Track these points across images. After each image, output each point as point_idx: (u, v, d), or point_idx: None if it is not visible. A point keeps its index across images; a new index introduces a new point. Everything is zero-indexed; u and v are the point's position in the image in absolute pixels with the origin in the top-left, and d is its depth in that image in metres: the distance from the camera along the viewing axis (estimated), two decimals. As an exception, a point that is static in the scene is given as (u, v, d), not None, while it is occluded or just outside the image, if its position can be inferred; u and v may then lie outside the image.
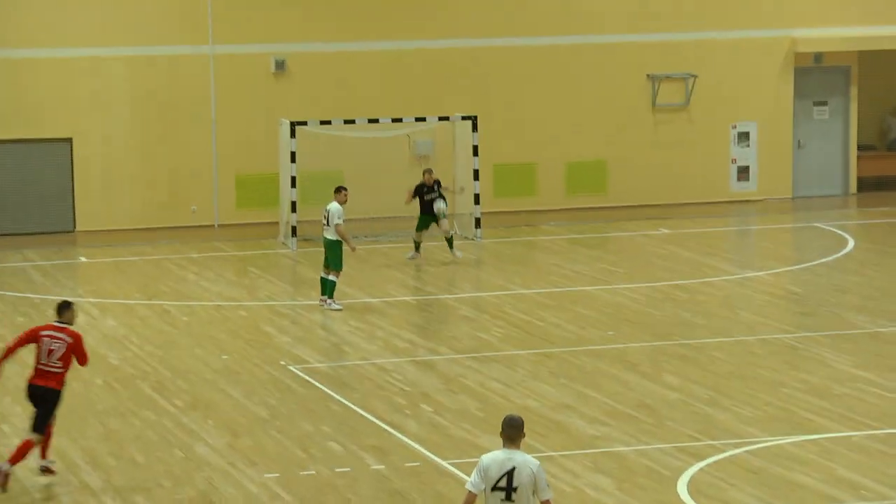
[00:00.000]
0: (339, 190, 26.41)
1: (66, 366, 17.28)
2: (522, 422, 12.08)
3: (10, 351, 17.29)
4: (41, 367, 17.19)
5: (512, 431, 12.07)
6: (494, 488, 11.91)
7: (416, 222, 29.94)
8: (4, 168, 33.32)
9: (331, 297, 25.82)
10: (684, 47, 36.47)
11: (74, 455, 18.41)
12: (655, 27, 36.24)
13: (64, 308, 17.61)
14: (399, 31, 35.00)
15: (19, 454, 17.08)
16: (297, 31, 34.54)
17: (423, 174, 29.97)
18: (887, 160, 38.56)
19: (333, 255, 25.88)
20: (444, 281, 28.29)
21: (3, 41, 33.06)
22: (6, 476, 16.87)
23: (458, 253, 29.79)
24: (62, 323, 17.40)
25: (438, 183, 29.90)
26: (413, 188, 29.93)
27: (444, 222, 29.66)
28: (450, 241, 29.76)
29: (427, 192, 29.73)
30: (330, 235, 25.96)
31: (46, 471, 17.46)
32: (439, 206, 29.43)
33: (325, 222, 25.99)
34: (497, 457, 11.99)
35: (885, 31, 37.26)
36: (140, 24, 33.76)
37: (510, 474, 11.92)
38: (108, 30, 33.61)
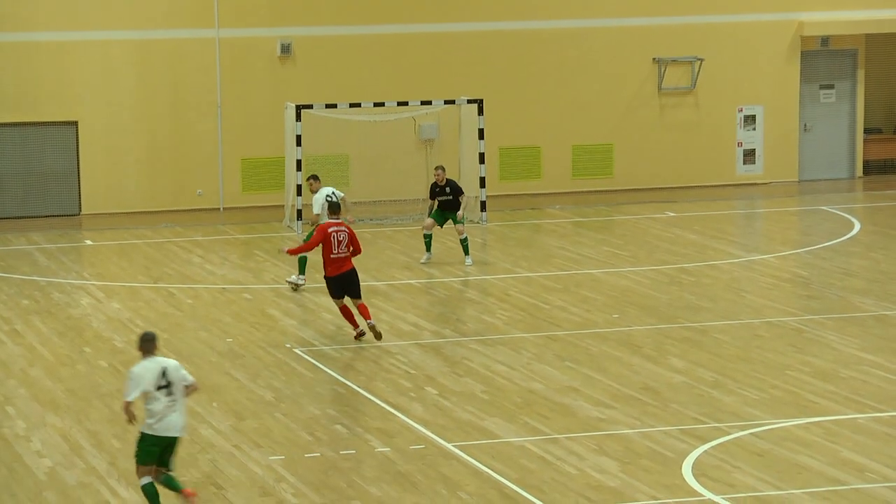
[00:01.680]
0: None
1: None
2: (155, 335, 15.35)
3: None
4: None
5: (149, 345, 15.23)
6: (158, 388, 15.05)
7: (426, 214, 28.82)
8: (10, 151, 33.34)
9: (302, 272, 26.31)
10: (691, 30, 36.43)
11: (80, 437, 18.44)
12: (662, 10, 36.20)
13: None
14: (405, 15, 34.97)
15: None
16: (302, 15, 34.51)
17: (435, 172, 28.53)
18: (894, 143, 38.50)
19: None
20: (449, 264, 28.28)
21: (8, 24, 33.05)
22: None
23: (469, 261, 28.11)
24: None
25: (451, 183, 28.24)
26: (429, 192, 28.56)
27: (461, 226, 28.12)
28: (465, 245, 28.13)
29: (439, 192, 28.16)
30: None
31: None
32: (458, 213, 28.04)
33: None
34: (147, 365, 15.12)
35: (893, 14, 37.17)
36: (146, 7, 33.75)
37: (164, 373, 15.09)
38: (113, 13, 33.60)
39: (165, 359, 15.43)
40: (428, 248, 28.27)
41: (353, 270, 22.46)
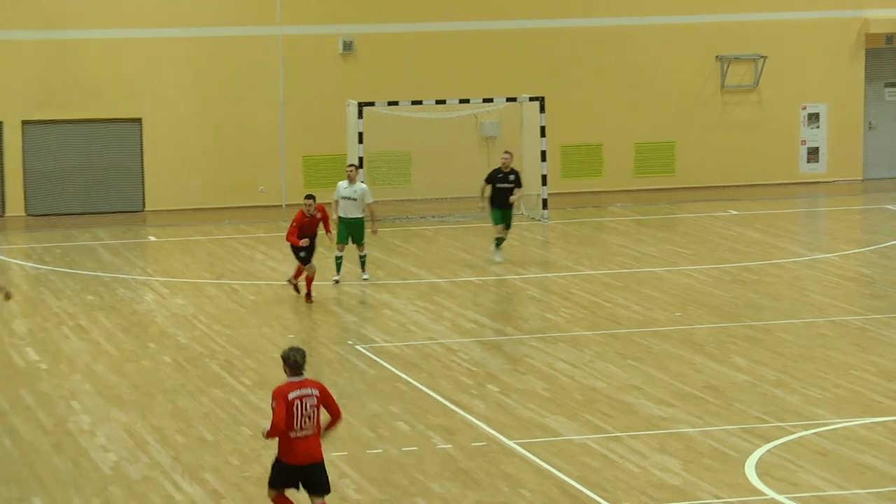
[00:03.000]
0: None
1: None
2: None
3: None
4: None
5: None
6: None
7: (490, 214, 28.02)
8: (74, 148, 33.55)
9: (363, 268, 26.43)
10: (754, 28, 36.28)
11: (144, 433, 18.56)
12: (725, 8, 36.07)
13: None
14: (467, 12, 34.97)
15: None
16: (365, 12, 34.58)
17: (502, 156, 28.13)
18: (959, 142, 38.23)
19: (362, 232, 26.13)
20: (510, 262, 28.27)
21: (73, 22, 33.26)
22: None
23: (499, 257, 27.85)
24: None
25: (516, 173, 27.84)
26: (486, 177, 28.04)
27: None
28: (499, 240, 27.84)
29: (501, 180, 27.63)
30: (360, 213, 26.04)
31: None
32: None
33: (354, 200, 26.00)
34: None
35: (958, 11, 36.93)
36: (210, 4, 33.90)
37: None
38: (177, 11, 33.76)
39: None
40: (498, 245, 27.93)
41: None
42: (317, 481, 14.42)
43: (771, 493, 16.24)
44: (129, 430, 18.65)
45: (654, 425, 18.56)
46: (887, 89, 37.51)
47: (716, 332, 22.99)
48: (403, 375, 20.88)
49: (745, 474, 16.78)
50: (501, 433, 18.29)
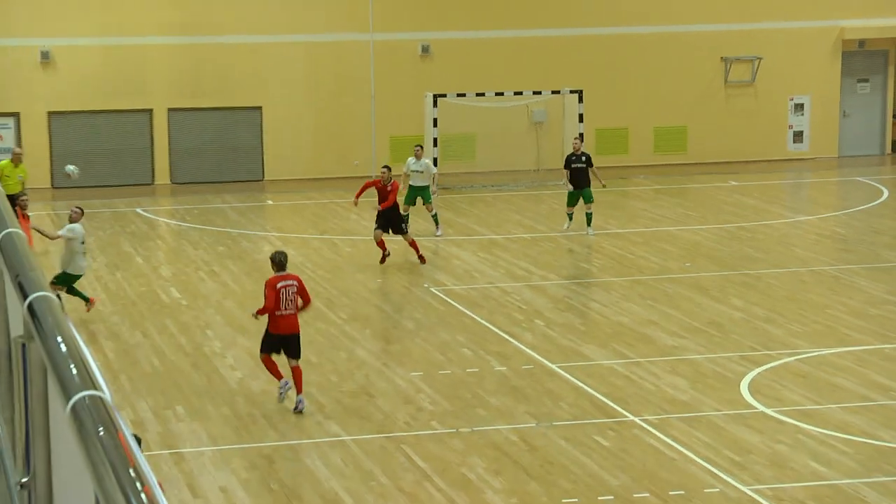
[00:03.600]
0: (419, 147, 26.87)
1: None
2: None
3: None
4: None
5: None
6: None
7: (565, 196, 26.51)
8: (209, 130, 33.70)
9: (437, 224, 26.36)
10: (752, 34, 35.91)
11: (262, 355, 18.66)
12: (729, 18, 35.72)
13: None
14: (522, 21, 34.81)
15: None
16: (439, 22, 34.49)
17: (573, 141, 26.75)
18: (917, 126, 37.80)
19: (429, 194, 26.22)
20: (553, 222, 28.18)
21: (209, 30, 33.35)
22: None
23: (591, 231, 26.21)
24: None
25: (587, 155, 26.18)
26: (564, 163, 26.61)
27: (590, 205, 26.05)
28: (589, 216, 26.12)
29: (575, 161, 26.02)
30: (426, 182, 26.08)
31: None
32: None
33: (420, 171, 26.06)
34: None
35: (917, 21, 36.44)
36: (317, 17, 33.92)
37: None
38: (291, 22, 33.79)
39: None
40: (570, 218, 26.42)
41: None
42: (292, 347, 16.22)
43: (761, 407, 16.14)
44: (251, 353, 18.75)
45: (667, 353, 18.49)
46: (859, 84, 37.07)
47: (718, 279, 22.86)
48: (468, 312, 20.89)
49: (740, 392, 16.69)
50: (546, 358, 18.27)
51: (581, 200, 26.07)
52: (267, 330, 16.22)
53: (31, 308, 3.66)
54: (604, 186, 26.67)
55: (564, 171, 26.41)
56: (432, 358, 18.39)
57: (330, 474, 14.21)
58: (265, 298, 16.05)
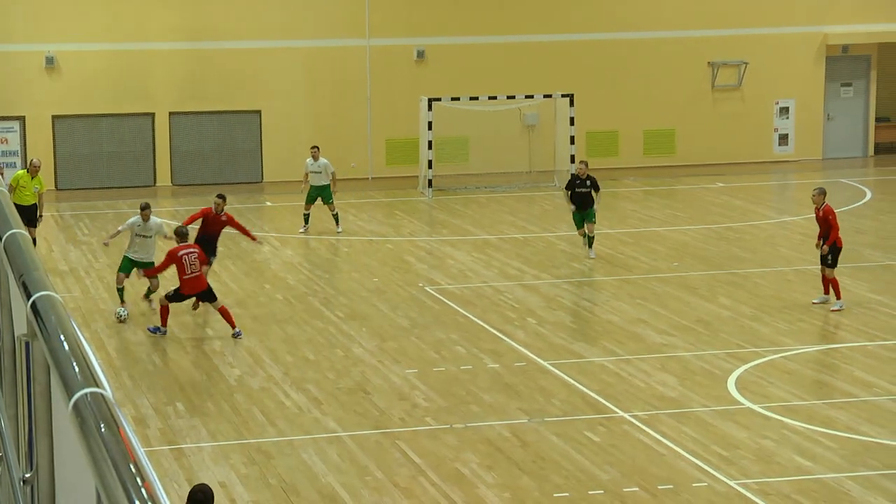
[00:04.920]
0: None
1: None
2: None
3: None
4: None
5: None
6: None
7: (571, 217, 24.70)
8: (210, 133, 33.66)
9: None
10: (738, 40, 35.92)
11: (261, 353, 18.64)
12: (715, 24, 35.73)
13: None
14: (514, 27, 34.80)
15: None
16: (434, 28, 34.47)
17: (579, 165, 24.68)
18: (899, 129, 37.88)
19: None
20: (545, 222, 28.19)
21: (209, 36, 33.31)
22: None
23: (592, 254, 24.41)
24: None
25: (592, 178, 24.21)
26: (566, 184, 24.83)
27: (592, 226, 24.30)
28: (590, 239, 24.41)
29: (580, 185, 24.18)
30: (325, 181, 26.66)
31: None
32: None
33: (319, 172, 26.70)
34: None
35: (899, 26, 36.51)
36: (314, 22, 33.89)
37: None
38: (289, 27, 33.76)
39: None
40: (590, 246, 24.31)
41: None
42: (206, 298, 19.06)
43: (747, 403, 16.15)
44: (250, 351, 18.75)
45: (656, 350, 18.49)
46: (842, 88, 37.09)
47: (706, 278, 22.86)
48: (462, 310, 20.89)
49: (727, 388, 16.70)
50: (538, 356, 18.27)
51: (583, 223, 24.33)
52: (177, 290, 18.96)
53: (34, 307, 3.66)
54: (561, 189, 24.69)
55: (565, 192, 24.52)
56: (427, 355, 18.38)
57: (327, 469, 14.20)
58: (161, 263, 19.19)
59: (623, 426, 15.38)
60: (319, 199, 26.75)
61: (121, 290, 20.46)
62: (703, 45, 35.80)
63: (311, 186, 26.76)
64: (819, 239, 20.99)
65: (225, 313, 19.13)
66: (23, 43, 32.38)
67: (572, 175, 24.97)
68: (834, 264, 20.66)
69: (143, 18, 32.90)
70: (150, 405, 16.32)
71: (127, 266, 20.45)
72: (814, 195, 21.04)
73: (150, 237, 20.38)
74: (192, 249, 18.93)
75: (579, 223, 24.33)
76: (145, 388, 17.02)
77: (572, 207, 24.35)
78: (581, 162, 24.82)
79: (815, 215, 21.17)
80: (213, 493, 10.53)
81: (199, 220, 21.33)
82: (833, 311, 20.34)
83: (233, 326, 19.11)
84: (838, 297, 20.54)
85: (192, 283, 18.86)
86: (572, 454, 14.49)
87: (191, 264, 18.75)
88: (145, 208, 20.51)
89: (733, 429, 15.24)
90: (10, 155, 32.41)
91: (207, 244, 20.80)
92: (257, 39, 33.63)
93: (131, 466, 2.65)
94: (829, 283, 20.74)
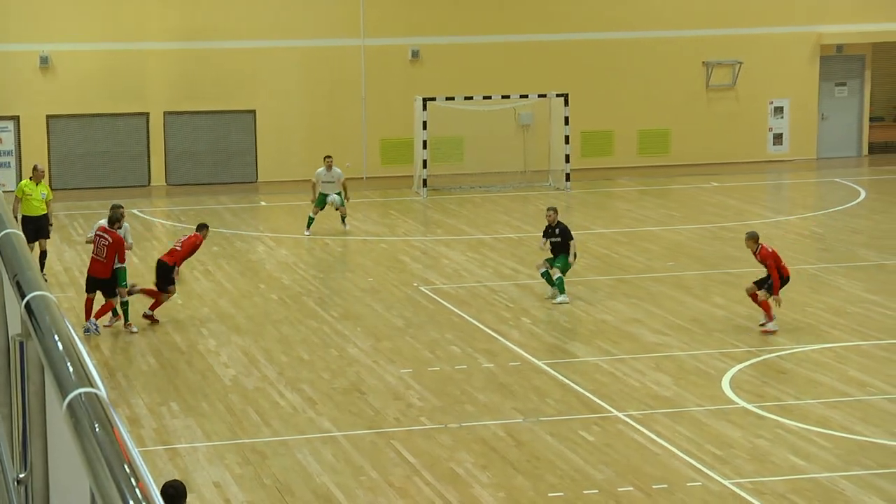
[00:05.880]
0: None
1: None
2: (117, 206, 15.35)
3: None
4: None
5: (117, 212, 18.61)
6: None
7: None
8: (204, 133, 33.65)
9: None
10: (732, 40, 35.96)
11: (256, 353, 18.64)
12: (710, 23, 35.77)
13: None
14: (509, 27, 34.81)
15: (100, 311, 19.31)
16: (429, 28, 34.48)
17: (546, 213, 22.09)
18: (893, 129, 37.89)
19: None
20: (539, 222, 28.18)
21: (205, 36, 33.30)
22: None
23: (559, 298, 21.31)
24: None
25: (561, 226, 21.71)
26: (543, 232, 22.09)
27: (557, 270, 21.41)
28: (558, 282, 21.47)
29: (550, 234, 21.72)
30: (337, 190, 26.88)
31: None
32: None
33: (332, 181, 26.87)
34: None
35: (894, 26, 36.50)
36: (310, 22, 33.88)
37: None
38: (285, 27, 33.75)
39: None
40: (552, 285, 21.56)
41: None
42: (104, 289, 19.20)
43: (742, 403, 16.16)
44: (245, 350, 18.74)
45: (651, 350, 18.50)
46: (837, 88, 37.14)
47: (700, 278, 22.88)
48: (456, 310, 20.89)
49: (721, 388, 16.71)
50: (532, 355, 18.28)
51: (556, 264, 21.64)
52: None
53: (28, 307, 3.66)
54: (573, 258, 21.70)
55: (543, 240, 21.90)
56: (422, 355, 18.38)
57: (321, 469, 14.20)
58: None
59: (617, 426, 15.39)
60: (329, 203, 26.91)
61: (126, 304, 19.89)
62: (697, 44, 35.82)
63: (321, 193, 26.95)
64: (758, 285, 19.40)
65: (104, 308, 19.26)
66: (17, 42, 32.35)
67: (546, 226, 21.87)
68: (771, 292, 19.15)
69: (138, 18, 32.88)
70: (145, 405, 16.30)
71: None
72: (746, 242, 19.63)
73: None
74: (108, 237, 19.19)
75: (551, 262, 21.54)
76: (140, 388, 17.01)
77: (540, 262, 21.79)
78: (549, 209, 22.00)
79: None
80: (185, 489, 10.33)
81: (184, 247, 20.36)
82: (765, 330, 19.10)
83: (95, 317, 19.20)
84: (770, 319, 19.23)
85: (94, 265, 19.27)
86: (567, 454, 14.50)
87: (99, 249, 19.21)
88: (117, 209, 19.94)
89: (728, 428, 15.26)
90: (5, 155, 32.40)
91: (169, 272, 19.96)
92: (252, 39, 33.62)
93: (126, 467, 2.65)
94: (761, 305, 19.35)
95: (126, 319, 19.70)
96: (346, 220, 27.27)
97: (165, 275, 19.95)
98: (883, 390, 16.59)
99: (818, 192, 33.59)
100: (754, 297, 19.58)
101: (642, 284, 22.43)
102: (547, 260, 21.59)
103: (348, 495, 13.50)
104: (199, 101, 33.45)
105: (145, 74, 33.08)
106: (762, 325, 19.44)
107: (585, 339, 19.10)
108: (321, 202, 26.90)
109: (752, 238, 19.75)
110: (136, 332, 19.46)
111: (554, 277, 21.35)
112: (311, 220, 26.99)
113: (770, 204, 31.88)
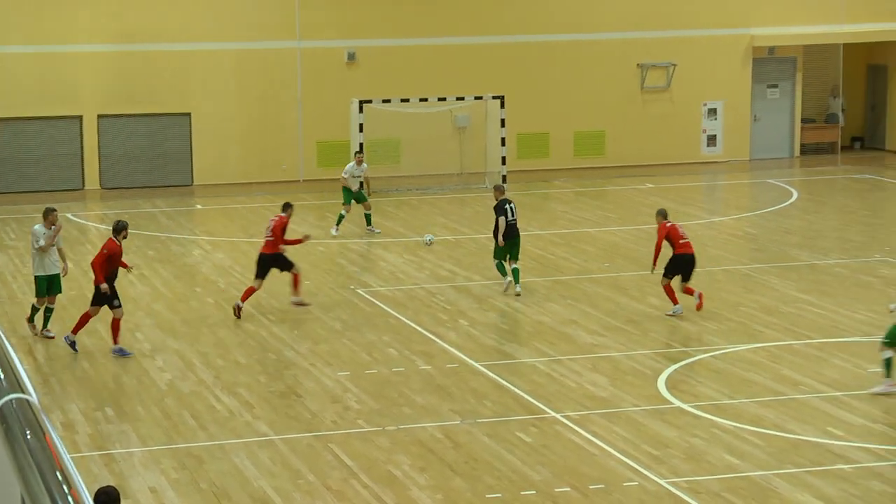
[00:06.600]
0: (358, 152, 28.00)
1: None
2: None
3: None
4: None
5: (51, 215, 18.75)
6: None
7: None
8: (138, 136, 33.40)
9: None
10: (667, 42, 36.21)
11: (192, 357, 18.53)
12: (644, 25, 36.00)
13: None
14: (444, 30, 34.86)
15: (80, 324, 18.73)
16: (365, 30, 34.44)
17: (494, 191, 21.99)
18: (824, 130, 38.29)
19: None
20: (476, 224, 28.25)
21: (139, 38, 33.05)
22: None
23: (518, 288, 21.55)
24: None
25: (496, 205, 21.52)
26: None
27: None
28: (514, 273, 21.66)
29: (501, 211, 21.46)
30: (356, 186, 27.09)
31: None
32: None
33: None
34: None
35: (825, 29, 36.90)
36: (245, 25, 33.74)
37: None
38: (220, 30, 33.59)
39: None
40: (504, 274, 21.84)
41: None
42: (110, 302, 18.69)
43: (677, 403, 16.29)
44: (181, 355, 18.63)
45: (588, 350, 18.59)
46: (769, 90, 37.51)
47: (636, 279, 23.01)
48: (393, 312, 20.89)
49: (657, 388, 16.83)
50: (470, 357, 18.31)
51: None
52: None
53: (-42, 313, 3.62)
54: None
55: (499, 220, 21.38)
56: (359, 358, 18.36)
57: (258, 473, 14.15)
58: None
59: (555, 426, 15.46)
60: (354, 200, 27.04)
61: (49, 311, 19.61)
62: (632, 46, 36.05)
63: (345, 189, 26.96)
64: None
65: (83, 319, 18.95)
66: (-53, 45, 31.95)
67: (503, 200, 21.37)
68: (666, 274, 20.26)
69: (70, 21, 32.58)
70: (80, 410, 16.16)
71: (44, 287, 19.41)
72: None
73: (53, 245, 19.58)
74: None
75: (503, 254, 21.48)
76: (74, 393, 16.86)
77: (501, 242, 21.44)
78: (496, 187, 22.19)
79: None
80: (118, 494, 9.98)
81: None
82: (670, 314, 20.09)
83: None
84: (675, 303, 20.15)
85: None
86: (504, 455, 14.55)
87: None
88: (51, 213, 19.63)
89: (663, 428, 15.37)
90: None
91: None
92: (187, 42, 33.42)
93: (58, 473, 2.64)
94: (666, 291, 20.26)
95: (45, 325, 19.45)
96: (371, 218, 27.06)
97: (272, 265, 20.57)
98: (815, 389, 16.78)
99: (751, 193, 33.91)
100: (667, 288, 20.12)
101: (579, 285, 22.53)
102: (501, 254, 21.77)
103: (286, 499, 13.46)
104: (133, 104, 33.21)
105: (77, 77, 32.78)
106: (669, 314, 19.94)
107: (522, 341, 19.16)
108: (350, 198, 26.87)
109: (660, 213, 20.54)
110: (52, 337, 19.24)
111: (514, 267, 21.62)
112: (341, 217, 26.82)
113: (704, 205, 32.14)
